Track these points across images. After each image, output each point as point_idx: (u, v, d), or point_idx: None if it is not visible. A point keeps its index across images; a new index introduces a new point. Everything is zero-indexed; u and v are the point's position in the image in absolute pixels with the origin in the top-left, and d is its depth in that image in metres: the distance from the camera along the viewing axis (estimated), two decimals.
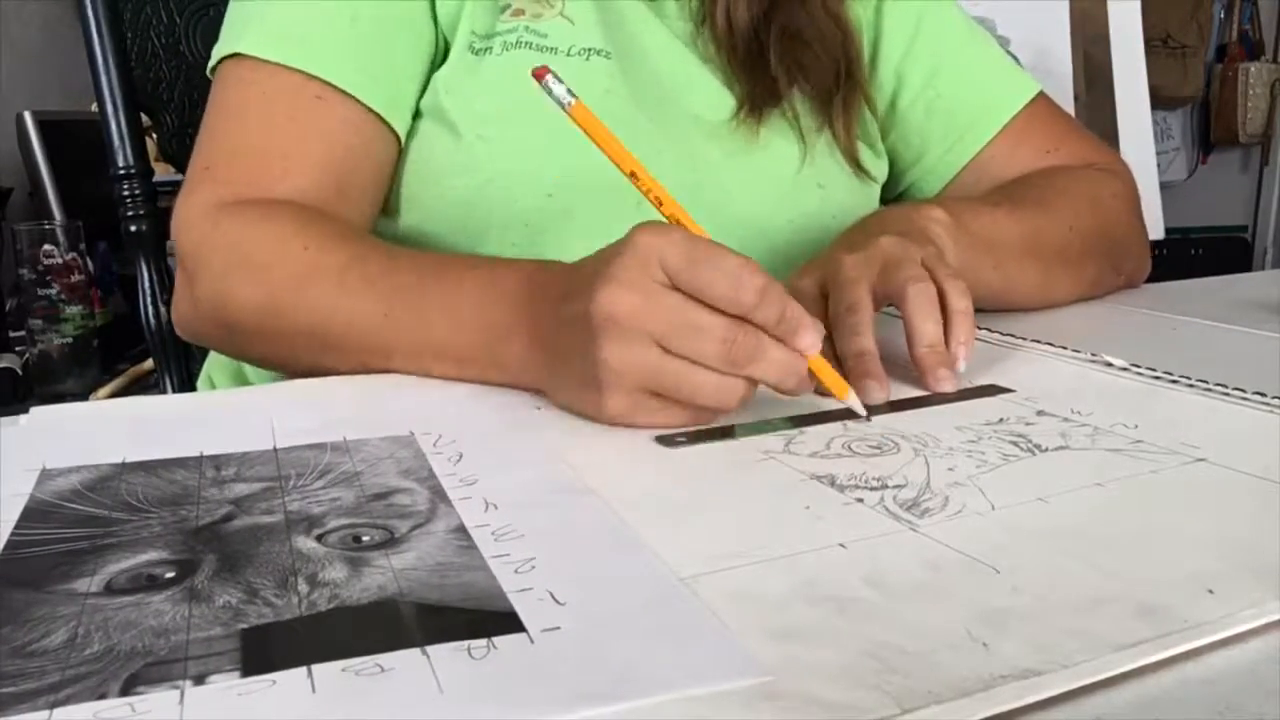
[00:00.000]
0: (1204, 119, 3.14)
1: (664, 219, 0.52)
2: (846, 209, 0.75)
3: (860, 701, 0.26)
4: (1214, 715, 0.26)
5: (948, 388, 0.53)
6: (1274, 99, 3.02)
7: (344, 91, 0.65)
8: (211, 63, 0.68)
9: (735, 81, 0.74)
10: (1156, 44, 2.81)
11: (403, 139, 0.69)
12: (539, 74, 0.52)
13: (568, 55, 0.69)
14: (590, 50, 0.69)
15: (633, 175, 0.52)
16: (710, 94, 0.73)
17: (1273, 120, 3.03)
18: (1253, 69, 3.02)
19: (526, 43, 0.68)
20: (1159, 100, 2.41)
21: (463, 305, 0.54)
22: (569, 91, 0.52)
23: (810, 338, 0.47)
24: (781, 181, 0.74)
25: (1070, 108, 1.54)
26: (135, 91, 0.89)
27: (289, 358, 0.61)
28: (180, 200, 0.65)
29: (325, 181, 0.65)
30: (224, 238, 0.62)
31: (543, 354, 0.51)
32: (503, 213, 0.68)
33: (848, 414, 0.49)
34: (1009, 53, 1.59)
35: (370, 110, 0.66)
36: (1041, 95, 0.82)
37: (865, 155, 0.79)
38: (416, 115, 0.69)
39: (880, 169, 0.81)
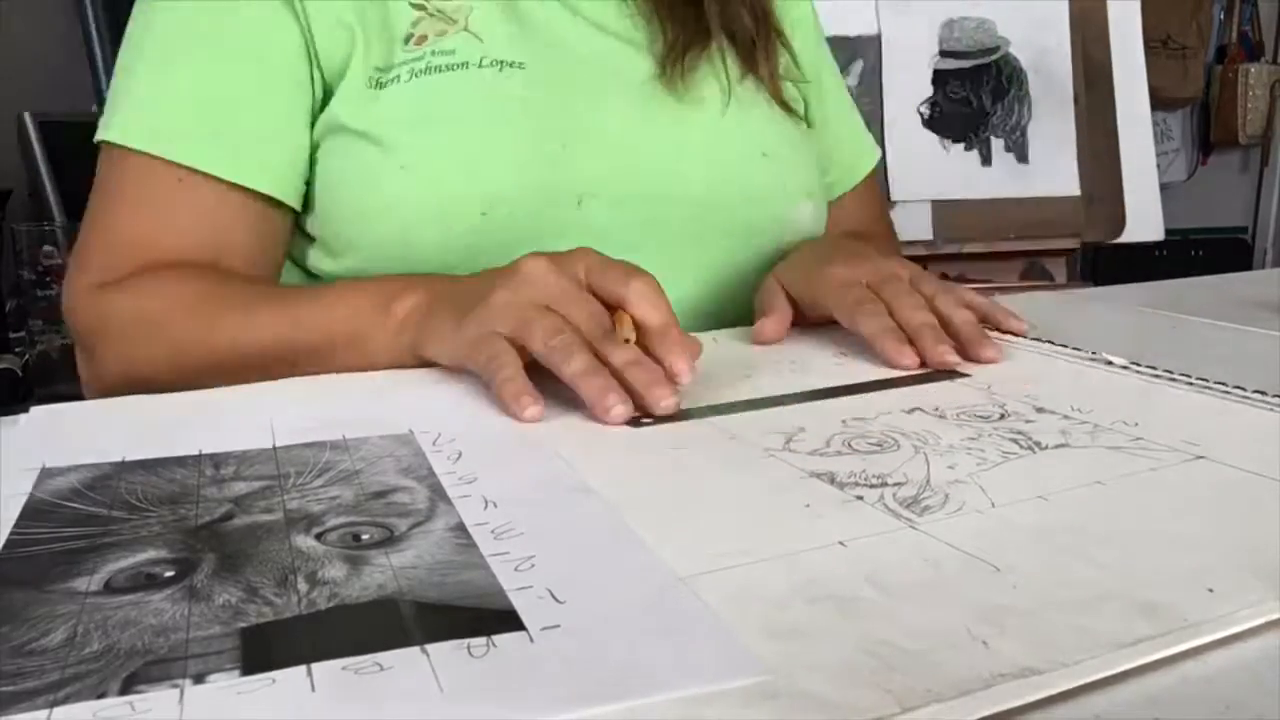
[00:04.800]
0: (1204, 120, 3.14)
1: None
2: (797, 175, 0.80)
3: (860, 700, 0.26)
4: (1214, 714, 0.26)
5: (993, 355, 0.59)
6: (1274, 100, 3.03)
7: (204, 173, 0.64)
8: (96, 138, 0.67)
9: (658, 38, 0.75)
10: (1156, 45, 2.81)
11: (291, 200, 0.68)
12: None
13: (480, 67, 0.68)
14: (502, 62, 0.69)
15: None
16: (634, 67, 0.74)
17: (1273, 121, 3.04)
18: (1253, 70, 3.02)
19: (436, 66, 0.67)
20: (1159, 101, 2.41)
21: (365, 290, 0.61)
22: None
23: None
24: (727, 160, 0.76)
25: (1070, 108, 1.55)
26: None
27: (204, 385, 0.60)
28: (66, 281, 0.67)
29: (201, 256, 0.65)
30: (113, 307, 0.64)
31: (431, 304, 0.58)
32: (439, 237, 0.66)
33: (785, 399, 0.52)
34: (1009, 53, 1.60)
35: (236, 185, 0.65)
36: (875, 164, 0.93)
37: (790, 93, 0.82)
38: (316, 163, 0.68)
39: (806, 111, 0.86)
